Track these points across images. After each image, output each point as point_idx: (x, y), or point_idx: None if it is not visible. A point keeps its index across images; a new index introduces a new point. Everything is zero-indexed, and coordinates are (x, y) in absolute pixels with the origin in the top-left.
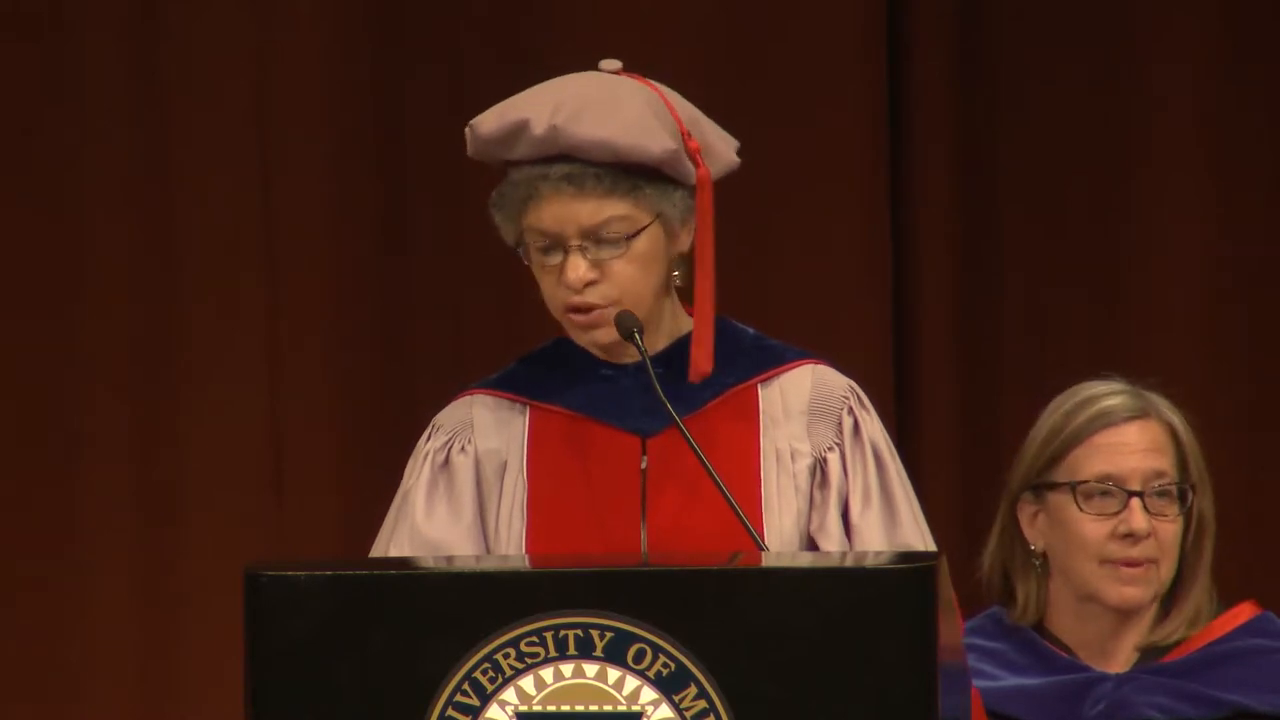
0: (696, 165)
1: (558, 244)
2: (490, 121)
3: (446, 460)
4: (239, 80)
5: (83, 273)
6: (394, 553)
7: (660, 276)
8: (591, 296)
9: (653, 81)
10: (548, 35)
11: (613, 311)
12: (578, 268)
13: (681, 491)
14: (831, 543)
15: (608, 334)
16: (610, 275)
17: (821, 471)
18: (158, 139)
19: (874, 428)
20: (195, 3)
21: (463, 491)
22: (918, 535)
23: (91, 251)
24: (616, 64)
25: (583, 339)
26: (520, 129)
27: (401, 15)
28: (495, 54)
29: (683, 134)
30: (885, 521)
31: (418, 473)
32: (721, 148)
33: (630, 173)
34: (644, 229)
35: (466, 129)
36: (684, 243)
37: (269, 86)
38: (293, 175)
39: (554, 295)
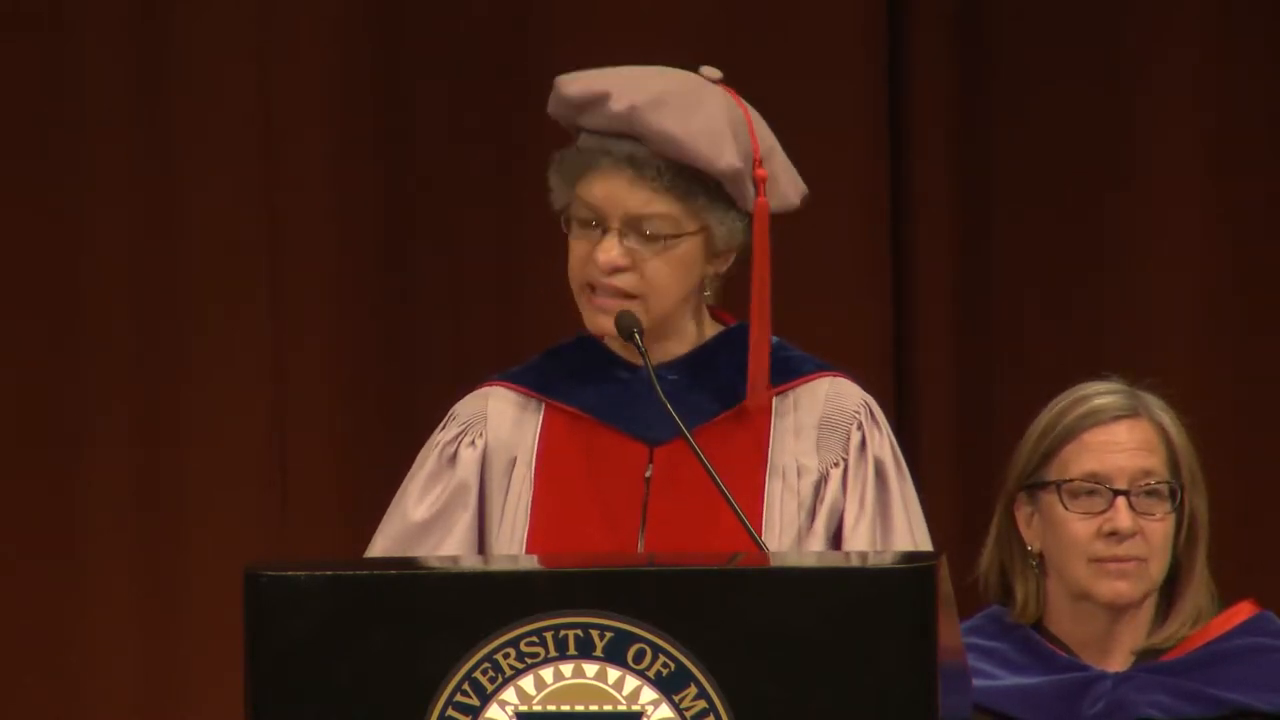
0: (758, 194)
1: (600, 221)
2: (576, 85)
3: (455, 455)
4: (240, 80)
5: (84, 273)
6: (380, 538)
7: (689, 287)
8: (619, 282)
9: (744, 101)
10: (549, 35)
11: (630, 303)
12: (611, 250)
13: (683, 503)
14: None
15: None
16: (642, 268)
17: (823, 487)
18: (159, 139)
19: (882, 445)
20: (196, 3)
21: (464, 487)
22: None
23: (93, 251)
24: (717, 73)
25: (591, 321)
26: (600, 100)
27: (402, 15)
28: (496, 54)
29: (755, 159)
30: (877, 535)
31: (424, 462)
32: (788, 186)
33: (691, 177)
34: (686, 235)
35: (558, 83)
36: (722, 265)
37: (270, 87)
38: (295, 175)
39: (579, 270)
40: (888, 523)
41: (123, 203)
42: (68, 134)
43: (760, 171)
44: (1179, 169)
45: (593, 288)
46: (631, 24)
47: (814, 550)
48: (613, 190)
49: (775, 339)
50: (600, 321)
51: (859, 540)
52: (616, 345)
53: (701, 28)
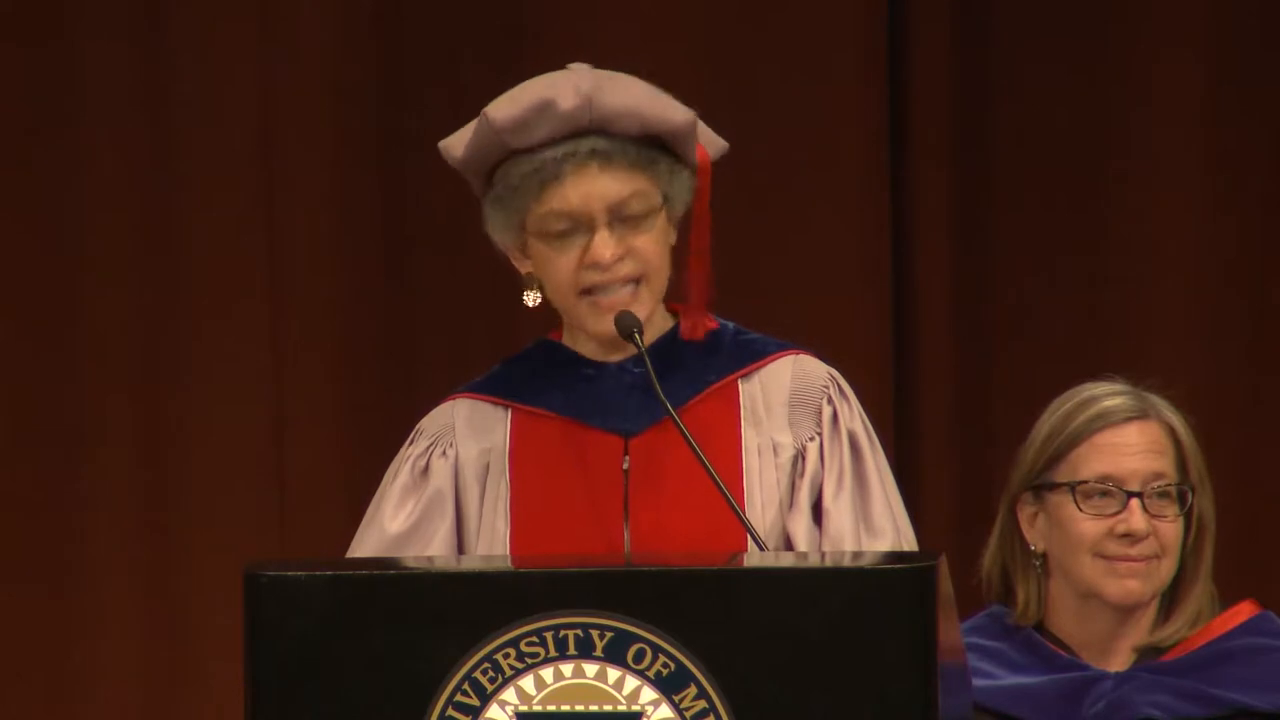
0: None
1: (581, 224)
2: (506, 108)
3: (427, 466)
4: (242, 87)
5: (84, 275)
6: (358, 553)
7: (669, 259)
8: (622, 271)
9: None
10: (549, 40)
11: (634, 289)
12: (608, 243)
13: (664, 491)
14: (799, 527)
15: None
16: (636, 251)
17: (801, 461)
18: (159, 141)
19: (853, 416)
20: (197, 12)
21: (439, 496)
22: (889, 520)
23: (95, 255)
24: (586, 67)
25: (599, 324)
26: (545, 107)
27: (402, 15)
28: (496, 59)
29: None
30: (857, 506)
31: (395, 476)
32: (705, 129)
33: (649, 144)
34: (659, 207)
35: (448, 144)
36: (674, 235)
37: (270, 87)
38: (296, 180)
39: (572, 279)
40: (865, 493)
41: (123, 206)
42: (68, 137)
43: None
44: (1179, 168)
45: (590, 290)
46: (631, 24)
47: (802, 528)
48: (587, 187)
49: (732, 325)
50: (609, 322)
51: (840, 511)
52: (581, 344)
53: (702, 27)
